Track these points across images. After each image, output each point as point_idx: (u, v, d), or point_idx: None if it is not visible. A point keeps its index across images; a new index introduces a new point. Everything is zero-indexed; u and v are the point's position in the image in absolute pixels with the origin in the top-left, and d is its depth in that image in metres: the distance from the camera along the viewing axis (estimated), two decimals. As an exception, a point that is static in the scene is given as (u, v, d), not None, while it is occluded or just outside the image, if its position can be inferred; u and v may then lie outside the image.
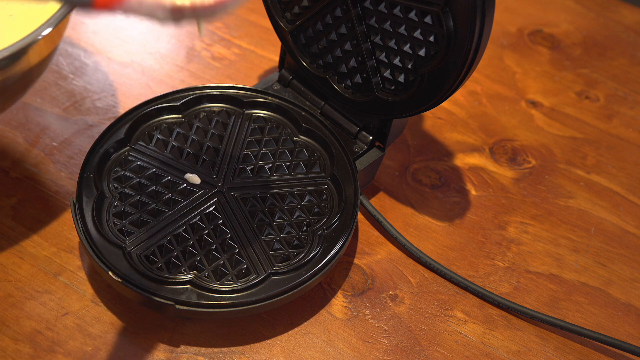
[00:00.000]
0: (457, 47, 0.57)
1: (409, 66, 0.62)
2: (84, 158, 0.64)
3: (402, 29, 0.60)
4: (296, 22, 0.67)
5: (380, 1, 0.60)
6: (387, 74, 0.64)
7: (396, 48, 0.62)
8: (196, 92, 0.70)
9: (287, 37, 0.69)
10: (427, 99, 0.61)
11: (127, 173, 0.64)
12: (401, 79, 0.63)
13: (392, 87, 0.64)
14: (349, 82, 0.67)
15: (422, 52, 0.60)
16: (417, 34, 0.59)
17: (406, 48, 0.61)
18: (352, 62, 0.66)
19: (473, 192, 0.72)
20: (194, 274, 0.59)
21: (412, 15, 0.59)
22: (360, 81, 0.66)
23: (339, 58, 0.67)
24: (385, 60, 0.63)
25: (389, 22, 0.61)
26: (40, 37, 0.55)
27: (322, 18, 0.65)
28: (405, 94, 0.62)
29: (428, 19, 0.58)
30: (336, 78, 0.68)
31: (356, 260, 0.66)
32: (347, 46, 0.65)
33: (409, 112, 0.64)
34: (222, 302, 0.57)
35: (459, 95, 0.80)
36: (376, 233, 0.68)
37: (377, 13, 0.61)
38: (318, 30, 0.67)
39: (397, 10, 0.60)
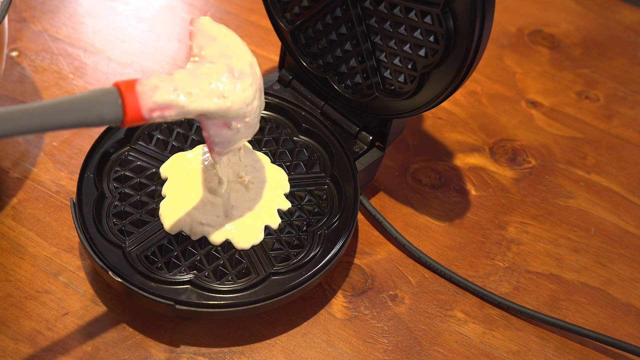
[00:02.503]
0: (457, 47, 0.57)
1: (409, 66, 0.62)
2: (84, 158, 0.64)
3: (402, 29, 0.60)
4: (296, 22, 0.67)
5: (380, 1, 0.60)
6: (387, 74, 0.64)
7: (396, 48, 0.62)
8: (196, 92, 0.70)
9: (287, 37, 0.69)
10: (427, 99, 0.61)
11: (127, 173, 0.64)
12: (401, 79, 0.63)
13: (392, 87, 0.64)
14: (349, 82, 0.67)
15: (422, 52, 0.60)
16: (417, 34, 0.59)
17: (406, 48, 0.61)
18: (352, 62, 0.66)
19: (473, 192, 0.72)
20: (194, 274, 0.59)
21: (412, 15, 0.59)
22: (360, 81, 0.66)
23: (339, 58, 0.67)
24: (385, 60, 0.63)
25: (388, 22, 0.61)
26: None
27: (322, 18, 0.65)
28: (405, 94, 0.62)
29: (428, 19, 0.58)
30: (336, 78, 0.68)
31: (356, 260, 0.66)
32: (347, 46, 0.65)
33: (409, 112, 0.64)
34: (222, 302, 0.57)
35: (459, 95, 0.80)
36: (376, 233, 0.68)
37: (377, 13, 0.61)
38: (318, 30, 0.67)
39: (397, 11, 0.60)
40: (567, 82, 0.83)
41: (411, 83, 0.62)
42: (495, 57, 0.85)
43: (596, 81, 0.84)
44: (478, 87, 0.82)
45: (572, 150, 0.77)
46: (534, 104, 0.81)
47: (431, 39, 0.59)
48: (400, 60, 0.62)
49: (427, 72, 0.60)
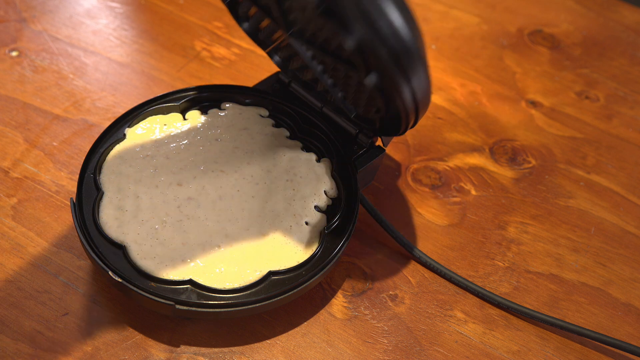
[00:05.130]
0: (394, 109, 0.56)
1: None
2: (84, 158, 0.64)
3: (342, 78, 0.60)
4: (268, 48, 0.67)
5: (320, 53, 0.60)
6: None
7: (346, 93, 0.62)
8: (196, 92, 0.70)
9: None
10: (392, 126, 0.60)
11: (127, 173, 0.64)
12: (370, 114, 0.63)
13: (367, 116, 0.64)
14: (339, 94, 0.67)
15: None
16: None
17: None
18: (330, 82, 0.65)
19: (473, 192, 0.72)
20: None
21: (342, 70, 0.58)
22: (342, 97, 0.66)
23: (316, 77, 0.67)
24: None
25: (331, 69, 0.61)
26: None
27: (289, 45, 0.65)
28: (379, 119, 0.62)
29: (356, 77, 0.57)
30: (325, 90, 0.68)
31: (356, 260, 0.66)
32: (319, 69, 0.64)
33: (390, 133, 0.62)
34: (222, 302, 0.57)
35: (459, 95, 0.80)
36: (376, 233, 0.68)
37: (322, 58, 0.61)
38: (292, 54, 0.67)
39: (329, 62, 0.59)
40: (567, 82, 0.84)
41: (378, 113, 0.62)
42: (495, 57, 0.85)
43: (596, 81, 0.84)
44: (478, 87, 0.82)
45: (572, 150, 0.77)
46: (534, 104, 0.81)
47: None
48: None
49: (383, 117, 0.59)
